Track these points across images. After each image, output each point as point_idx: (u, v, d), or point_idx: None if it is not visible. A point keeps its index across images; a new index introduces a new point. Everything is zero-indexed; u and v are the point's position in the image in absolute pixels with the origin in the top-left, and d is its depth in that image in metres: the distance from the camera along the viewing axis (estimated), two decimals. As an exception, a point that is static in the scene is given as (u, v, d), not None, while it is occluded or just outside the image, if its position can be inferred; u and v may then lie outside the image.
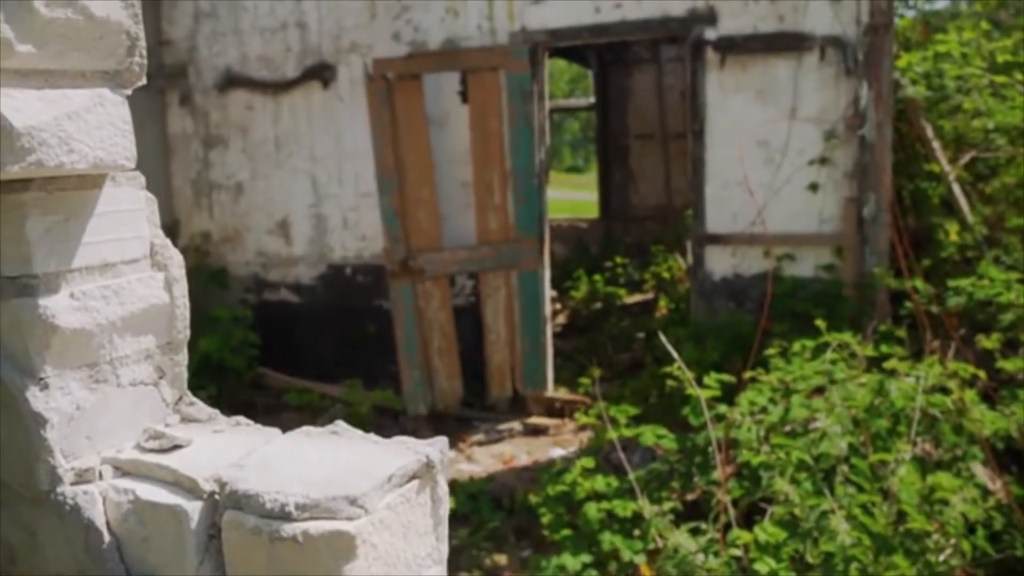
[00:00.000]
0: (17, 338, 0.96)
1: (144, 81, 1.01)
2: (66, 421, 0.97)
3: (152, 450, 1.01)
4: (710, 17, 5.68)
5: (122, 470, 1.01)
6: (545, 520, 3.84)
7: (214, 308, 6.94)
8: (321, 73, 6.80)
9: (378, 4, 6.57)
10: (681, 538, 3.10)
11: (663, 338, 4.07)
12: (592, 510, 3.66)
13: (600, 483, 3.80)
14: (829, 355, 4.09)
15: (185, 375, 1.13)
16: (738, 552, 3.11)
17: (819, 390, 3.90)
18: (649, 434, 3.99)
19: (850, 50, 5.35)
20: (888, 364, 4.04)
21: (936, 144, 5.82)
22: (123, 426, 1.04)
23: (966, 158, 5.96)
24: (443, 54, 6.32)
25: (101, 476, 1.00)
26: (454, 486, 4.96)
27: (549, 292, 6.59)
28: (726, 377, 4.14)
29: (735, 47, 5.63)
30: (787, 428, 3.73)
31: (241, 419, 1.10)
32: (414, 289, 6.23)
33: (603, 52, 11.45)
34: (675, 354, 3.87)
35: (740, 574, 3.05)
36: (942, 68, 6.00)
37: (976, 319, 4.82)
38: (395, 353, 6.37)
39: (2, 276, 0.96)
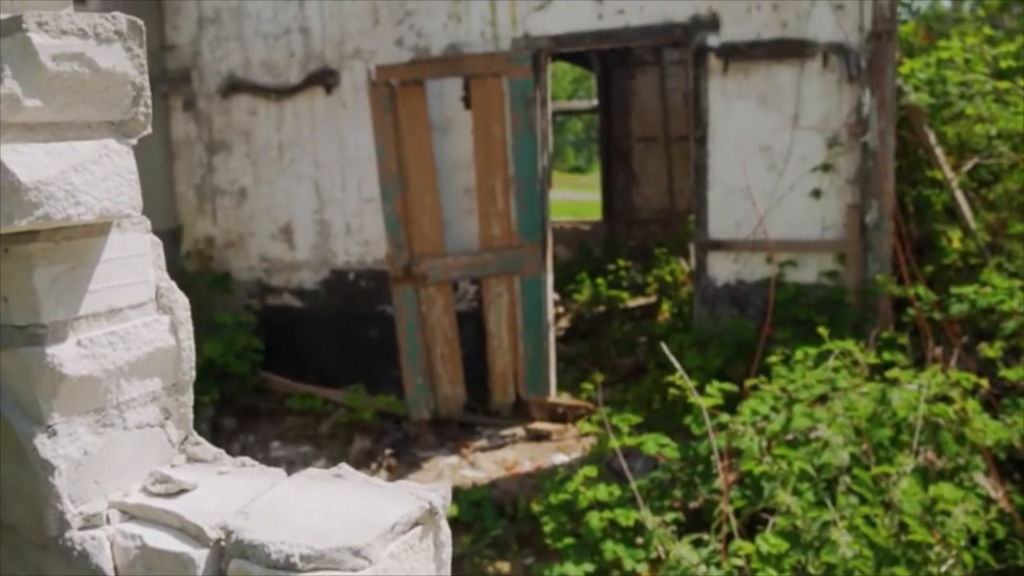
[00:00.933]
0: (25, 386, 0.97)
1: (149, 130, 1.03)
2: (74, 467, 0.99)
3: (159, 494, 1.03)
4: (713, 23, 5.68)
5: (129, 514, 1.02)
6: (548, 528, 3.86)
7: (217, 313, 6.97)
8: (324, 79, 6.81)
9: (381, 10, 6.58)
10: (683, 550, 3.11)
11: (665, 348, 4.09)
12: (595, 519, 3.68)
13: (603, 492, 3.82)
14: (832, 363, 4.10)
15: (191, 415, 1.14)
16: (740, 562, 3.12)
17: (822, 398, 3.91)
18: (651, 443, 4.00)
19: (853, 57, 5.34)
20: (890, 373, 4.04)
21: (939, 151, 5.81)
22: (130, 468, 1.06)
23: (969, 164, 5.95)
24: (446, 60, 6.33)
25: (108, 520, 1.01)
26: (457, 493, 4.97)
27: (552, 297, 6.60)
28: (728, 386, 4.15)
29: (738, 53, 5.63)
30: (789, 437, 3.74)
31: (246, 460, 1.11)
32: (417, 294, 6.25)
33: (606, 55, 11.45)
34: (677, 364, 3.89)
35: (742, 586, 3.06)
36: (945, 74, 5.99)
37: (979, 327, 4.81)
38: (398, 358, 6.38)
39: (11, 325, 0.98)
